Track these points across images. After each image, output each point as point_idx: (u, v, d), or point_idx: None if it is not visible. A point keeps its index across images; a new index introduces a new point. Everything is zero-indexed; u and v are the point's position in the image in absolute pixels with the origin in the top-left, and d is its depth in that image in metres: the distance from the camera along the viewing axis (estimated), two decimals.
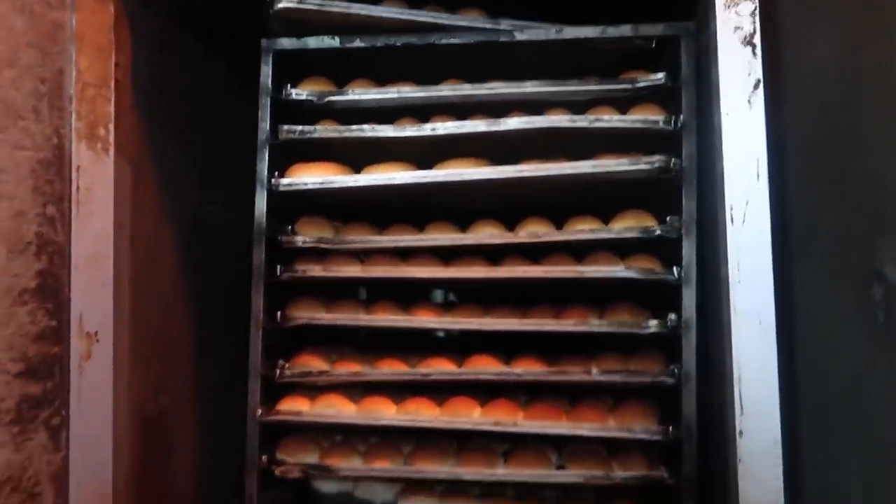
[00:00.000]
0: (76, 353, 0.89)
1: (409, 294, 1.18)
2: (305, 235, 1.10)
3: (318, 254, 1.13)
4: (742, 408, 0.80)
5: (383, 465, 1.08)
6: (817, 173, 0.91)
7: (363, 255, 1.14)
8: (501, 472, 1.05)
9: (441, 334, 1.50)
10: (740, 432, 0.80)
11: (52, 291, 0.88)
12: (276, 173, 1.09)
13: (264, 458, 1.10)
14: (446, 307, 1.17)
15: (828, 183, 0.88)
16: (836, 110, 0.80)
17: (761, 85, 0.83)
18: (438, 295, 1.45)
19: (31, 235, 0.85)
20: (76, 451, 0.88)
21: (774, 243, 0.82)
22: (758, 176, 0.81)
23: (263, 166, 1.10)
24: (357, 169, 1.11)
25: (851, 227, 0.85)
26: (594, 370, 1.02)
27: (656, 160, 0.96)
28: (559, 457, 1.09)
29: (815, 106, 0.85)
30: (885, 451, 0.79)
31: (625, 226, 1.02)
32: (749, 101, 0.82)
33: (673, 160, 0.96)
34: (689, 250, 0.99)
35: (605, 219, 1.07)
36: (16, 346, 0.83)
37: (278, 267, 1.10)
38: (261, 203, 1.10)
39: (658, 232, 0.98)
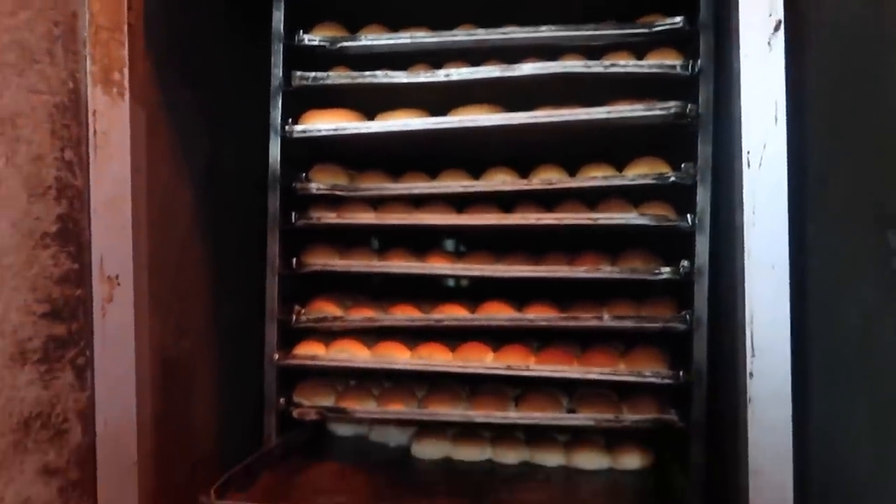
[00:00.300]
0: (98, 296, 0.91)
1: (422, 244, 1.19)
2: (319, 182, 1.11)
3: (333, 201, 1.13)
4: (753, 350, 0.81)
5: (397, 408, 1.11)
6: (835, 118, 0.90)
7: (377, 203, 1.15)
8: (513, 415, 1.07)
9: (452, 283, 1.52)
10: (751, 374, 0.81)
11: (72, 235, 0.89)
12: (290, 120, 1.09)
13: (282, 400, 1.13)
14: (459, 255, 1.18)
15: (846, 128, 0.88)
16: (857, 54, 0.79)
17: (782, 26, 0.81)
18: (451, 245, 1.45)
19: (50, 179, 0.86)
20: (101, 390, 0.91)
21: (790, 188, 0.82)
22: (776, 119, 0.80)
23: (277, 113, 1.10)
24: (370, 116, 1.10)
25: (868, 173, 0.84)
26: (606, 316, 1.03)
27: (672, 106, 0.95)
28: (570, 401, 1.11)
29: (836, 49, 0.83)
30: (894, 397, 0.80)
31: (639, 172, 1.02)
32: (769, 43, 0.81)
33: (689, 106, 0.96)
34: (703, 197, 0.99)
35: (619, 167, 1.07)
36: (40, 287, 0.85)
37: (293, 214, 1.11)
38: (275, 150, 1.11)
39: (672, 178, 0.98)
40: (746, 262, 0.81)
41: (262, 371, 1.13)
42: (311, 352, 1.12)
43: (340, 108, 1.11)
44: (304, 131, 1.08)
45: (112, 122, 0.91)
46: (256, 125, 1.13)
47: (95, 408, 0.91)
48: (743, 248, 0.81)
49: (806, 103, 0.87)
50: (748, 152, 0.81)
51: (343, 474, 1.09)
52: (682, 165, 0.98)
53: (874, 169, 0.80)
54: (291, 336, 1.15)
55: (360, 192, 1.10)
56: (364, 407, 1.12)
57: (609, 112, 0.97)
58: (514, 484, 1.04)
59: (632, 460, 1.09)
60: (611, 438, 1.15)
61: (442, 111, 1.06)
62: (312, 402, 1.14)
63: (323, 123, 1.08)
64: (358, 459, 1.16)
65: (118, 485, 0.92)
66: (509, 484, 1.04)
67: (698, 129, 0.99)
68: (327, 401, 1.15)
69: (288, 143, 1.10)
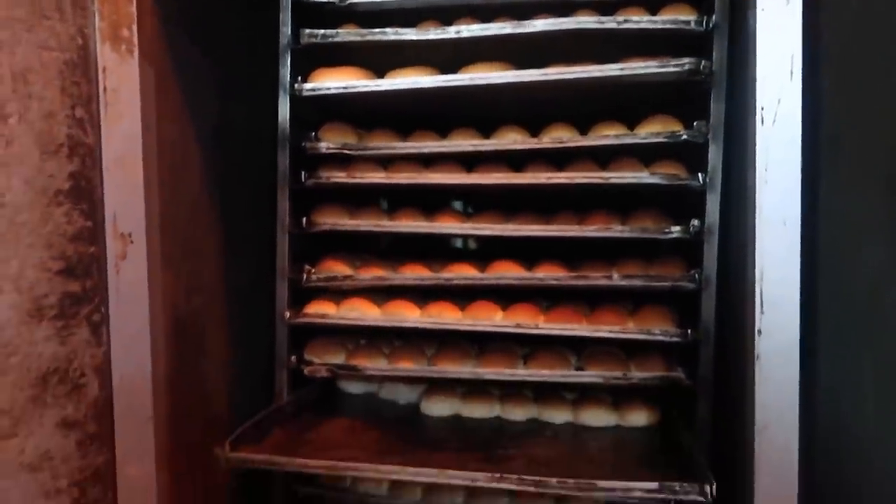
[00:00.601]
0: (112, 254, 0.92)
1: (431, 205, 1.19)
2: (329, 141, 1.11)
3: (342, 160, 1.13)
4: (763, 307, 0.81)
5: (407, 366, 1.12)
6: (852, 75, 0.89)
7: (386, 163, 1.14)
8: (522, 372, 1.08)
9: (461, 245, 1.52)
10: (759, 331, 0.82)
11: (85, 193, 0.89)
12: (299, 78, 1.09)
13: (293, 358, 1.15)
14: (468, 216, 1.18)
15: (862, 86, 0.87)
16: (874, 9, 0.77)
17: None
18: (460, 207, 1.45)
19: (62, 137, 0.86)
20: (117, 346, 0.92)
21: (803, 145, 0.81)
22: (791, 74, 0.79)
23: (286, 71, 1.09)
24: (380, 75, 1.09)
25: (883, 132, 0.84)
26: (615, 275, 1.04)
27: (686, 62, 0.94)
28: (578, 359, 1.13)
29: (854, 4, 0.82)
30: None
31: (651, 131, 1.01)
32: None
33: (703, 62, 0.94)
34: (714, 156, 0.98)
35: (631, 126, 1.07)
36: (55, 244, 0.86)
37: (303, 173, 1.11)
38: (284, 108, 1.10)
39: (684, 136, 0.97)
40: (758, 219, 0.81)
41: (274, 330, 1.15)
42: (322, 310, 1.13)
43: (350, 67, 1.10)
44: (313, 89, 1.07)
45: (121, 80, 0.90)
46: (266, 85, 1.12)
47: (112, 363, 0.93)
48: (755, 205, 0.81)
49: (822, 59, 0.86)
50: (762, 108, 0.80)
51: (354, 430, 1.11)
52: (695, 124, 0.98)
53: (889, 130, 0.79)
54: (302, 295, 1.16)
55: (370, 151, 1.10)
56: (374, 364, 1.13)
57: (622, 69, 0.96)
58: (522, 439, 1.06)
59: (638, 417, 1.11)
60: (618, 397, 1.16)
61: (452, 69, 1.05)
62: (323, 359, 1.16)
63: (332, 81, 1.07)
64: (368, 416, 1.18)
65: (135, 438, 0.94)
66: (517, 440, 1.06)
67: (711, 87, 0.98)
68: (338, 359, 1.16)
69: (297, 101, 1.10)
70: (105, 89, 0.90)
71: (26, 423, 0.83)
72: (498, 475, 0.88)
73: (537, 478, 0.87)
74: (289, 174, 1.11)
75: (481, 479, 0.88)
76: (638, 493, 0.84)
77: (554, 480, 0.86)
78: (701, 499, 0.81)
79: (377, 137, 1.15)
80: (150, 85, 0.93)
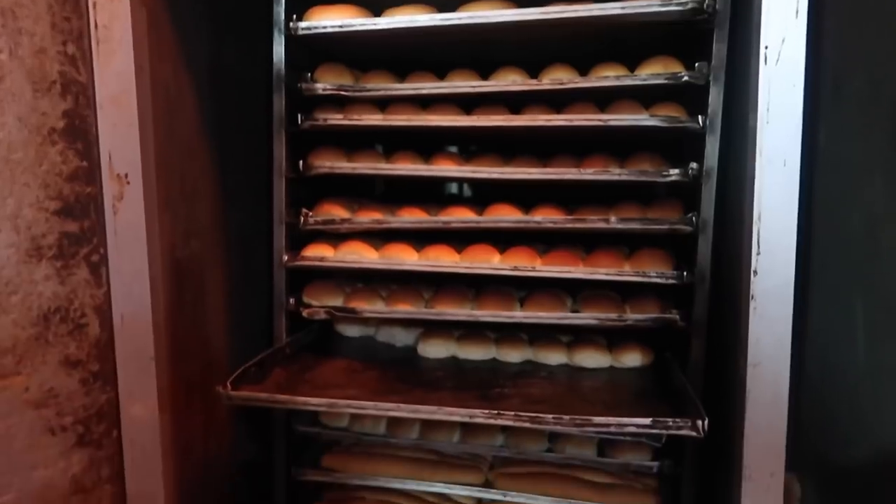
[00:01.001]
0: (109, 194, 0.91)
1: (428, 150, 1.18)
2: (325, 82, 1.09)
3: (339, 102, 1.12)
4: (759, 248, 0.82)
5: (405, 308, 1.13)
6: (856, 16, 0.88)
7: (383, 105, 1.13)
8: (519, 314, 1.10)
9: (456, 190, 1.52)
10: (755, 271, 0.83)
11: (80, 132, 0.88)
12: (294, 17, 1.06)
13: (291, 301, 1.16)
14: (466, 159, 1.17)
15: (866, 27, 0.86)
16: None
17: None
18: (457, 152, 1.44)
19: (54, 74, 0.85)
20: (117, 286, 0.93)
21: (805, 86, 0.81)
22: (797, 12, 0.78)
23: (280, 9, 1.07)
24: (376, 15, 1.07)
25: (886, 73, 0.83)
26: (612, 218, 1.04)
27: (689, 0, 0.92)
28: (574, 302, 1.14)
29: None
30: (892, 298, 0.82)
31: (651, 72, 1.00)
32: None
33: (706, 1, 0.93)
34: (715, 98, 0.98)
35: (631, 69, 1.05)
36: (51, 184, 0.85)
37: (299, 116, 1.09)
38: (279, 48, 1.08)
39: (686, 78, 0.96)
40: (758, 159, 0.81)
41: (272, 274, 1.15)
42: (320, 253, 1.14)
43: (345, 5, 1.07)
44: (308, 28, 1.05)
45: (113, 15, 0.88)
46: (260, 25, 1.10)
47: (112, 304, 0.93)
48: (755, 146, 0.81)
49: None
50: (766, 47, 0.79)
51: (352, 371, 1.12)
52: (696, 64, 0.97)
53: (892, 70, 0.79)
54: (300, 239, 1.16)
55: (367, 93, 1.09)
56: (372, 307, 1.14)
57: (623, 7, 0.94)
58: (518, 380, 1.08)
59: (632, 358, 1.13)
60: (613, 340, 1.18)
61: (451, 8, 1.03)
62: (321, 302, 1.17)
63: (328, 20, 1.05)
64: (366, 358, 1.20)
65: (137, 377, 0.95)
66: (513, 380, 1.08)
67: (714, 27, 0.96)
68: (336, 301, 1.17)
69: (292, 41, 1.08)
70: (96, 25, 0.88)
71: (30, 361, 0.84)
72: (495, 412, 0.89)
73: (533, 414, 0.89)
74: (285, 117, 1.10)
75: (479, 415, 0.90)
76: (632, 429, 0.86)
77: (550, 417, 0.88)
78: (693, 433, 0.83)
79: (374, 79, 1.14)
80: (141, 21, 0.91)
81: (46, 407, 0.86)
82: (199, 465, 1.10)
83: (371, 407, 0.93)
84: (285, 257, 1.13)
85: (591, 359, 1.14)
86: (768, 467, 0.85)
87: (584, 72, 1.06)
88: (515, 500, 1.10)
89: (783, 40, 0.78)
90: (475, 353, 1.19)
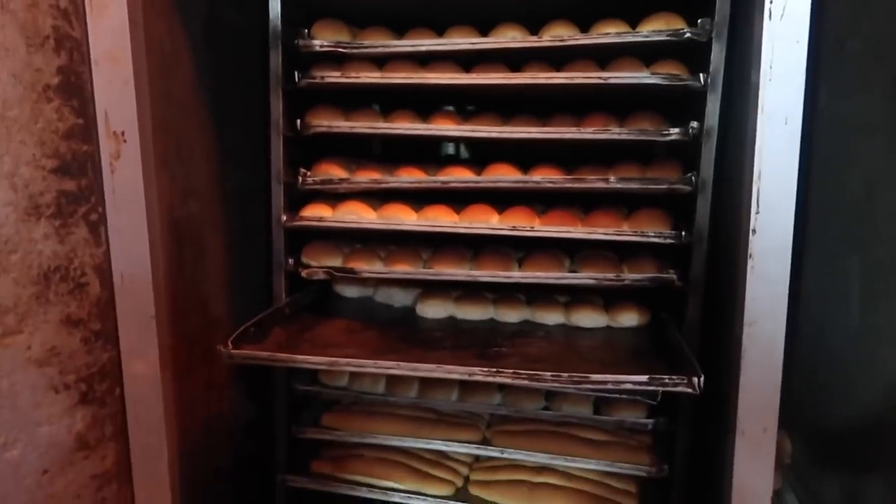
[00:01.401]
0: (106, 152, 0.90)
1: (426, 110, 1.17)
2: (323, 39, 1.07)
3: (336, 60, 1.10)
4: (759, 206, 0.82)
5: (404, 268, 1.14)
6: None
7: (381, 63, 1.12)
8: (517, 274, 1.10)
9: (453, 150, 1.51)
10: (754, 230, 0.83)
11: (75, 89, 0.87)
12: None
13: (290, 261, 1.16)
14: (465, 118, 1.16)
15: None
16: None
17: None
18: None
19: (47, 29, 0.83)
20: (116, 245, 0.93)
21: (809, 43, 0.80)
22: None
23: None
24: None
25: (889, 32, 0.82)
26: (612, 178, 1.04)
27: None
28: (572, 262, 1.14)
29: None
30: (889, 258, 0.82)
31: (653, 28, 0.99)
32: None
33: None
34: (717, 55, 0.97)
35: (633, 25, 1.04)
36: (47, 142, 0.84)
37: (296, 73, 1.08)
38: (275, 4, 1.07)
39: (688, 34, 0.95)
40: (759, 116, 0.80)
41: (271, 234, 1.15)
42: (318, 213, 1.13)
43: None
44: None
45: None
46: None
47: (112, 263, 0.93)
48: (757, 103, 0.80)
49: None
50: (771, 2, 0.78)
51: (351, 330, 1.13)
52: (699, 21, 0.95)
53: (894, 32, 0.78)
54: (298, 199, 1.16)
55: (365, 50, 1.07)
56: (371, 267, 1.15)
57: None
58: (516, 339, 1.09)
59: (629, 318, 1.14)
60: (610, 300, 1.19)
61: None
62: (320, 262, 1.17)
63: None
64: (365, 318, 1.21)
65: (138, 336, 0.95)
66: (511, 339, 1.09)
67: None
68: (334, 262, 1.17)
69: None
70: None
71: (31, 320, 0.84)
72: (494, 370, 0.90)
73: (532, 372, 0.90)
74: (282, 74, 1.09)
75: (478, 373, 0.91)
76: (629, 386, 0.87)
77: (548, 374, 0.89)
78: (689, 390, 0.84)
79: (372, 36, 1.12)
80: None
81: (49, 365, 0.87)
82: (200, 423, 1.11)
83: (371, 365, 0.94)
84: (284, 217, 1.13)
85: (588, 318, 1.15)
86: (761, 423, 0.86)
87: (585, 29, 1.05)
88: (512, 456, 1.12)
89: None
90: (473, 313, 1.20)
